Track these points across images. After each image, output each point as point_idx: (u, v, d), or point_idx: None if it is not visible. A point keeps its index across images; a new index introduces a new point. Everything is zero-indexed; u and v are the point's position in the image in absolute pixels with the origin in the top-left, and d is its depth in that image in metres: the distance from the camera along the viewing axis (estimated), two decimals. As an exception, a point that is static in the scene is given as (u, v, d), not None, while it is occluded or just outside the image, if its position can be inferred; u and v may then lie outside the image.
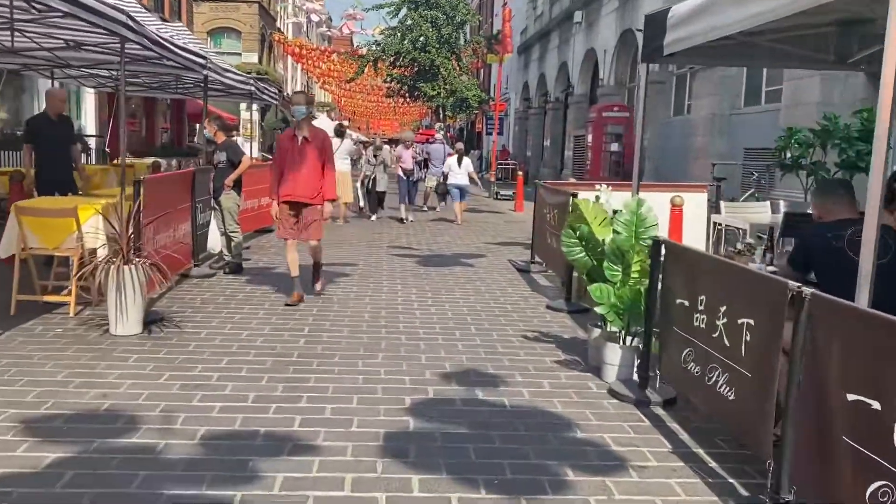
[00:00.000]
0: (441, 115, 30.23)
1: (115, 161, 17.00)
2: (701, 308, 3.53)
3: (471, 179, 13.89)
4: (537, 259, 8.50)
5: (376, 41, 29.78)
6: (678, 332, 3.80)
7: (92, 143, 16.27)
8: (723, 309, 3.30)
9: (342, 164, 13.21)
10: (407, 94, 30.52)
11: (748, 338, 3.08)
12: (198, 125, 31.54)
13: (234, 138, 10.29)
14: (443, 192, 14.50)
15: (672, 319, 3.90)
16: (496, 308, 6.42)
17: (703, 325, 3.50)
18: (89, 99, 16.96)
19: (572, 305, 6.41)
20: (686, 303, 3.70)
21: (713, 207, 8.70)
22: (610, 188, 7.38)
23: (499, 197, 20.21)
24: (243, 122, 32.03)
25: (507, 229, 13.04)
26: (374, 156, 13.44)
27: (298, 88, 51.87)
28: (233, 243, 7.66)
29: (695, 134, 14.80)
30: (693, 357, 3.61)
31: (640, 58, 5.55)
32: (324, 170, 6.13)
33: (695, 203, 8.30)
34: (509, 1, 24.47)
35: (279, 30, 40.53)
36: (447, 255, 9.52)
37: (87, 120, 17.13)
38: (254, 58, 35.19)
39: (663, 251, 4.03)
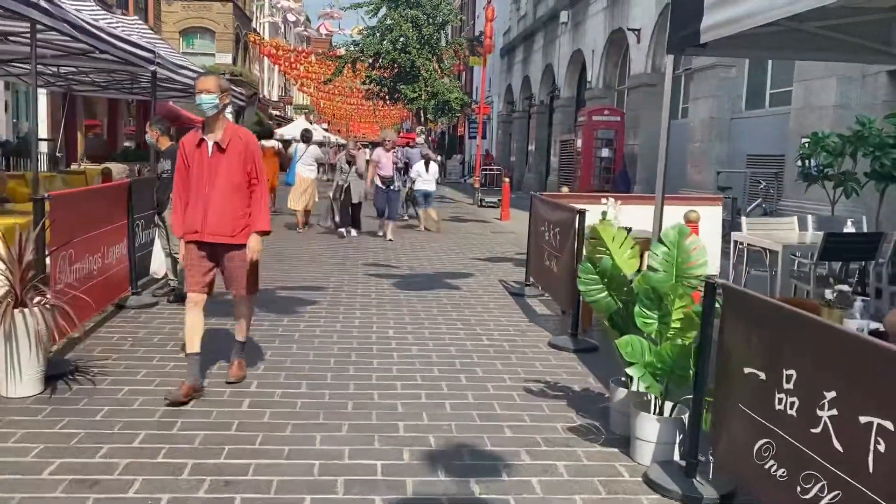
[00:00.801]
0: (422, 119, 29.16)
1: (70, 167, 15.78)
2: (788, 387, 2.53)
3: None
4: (532, 280, 7.50)
5: (354, 41, 28.66)
6: (746, 411, 2.80)
7: (44, 147, 15.01)
8: (830, 396, 2.30)
9: (307, 170, 12.17)
10: (387, 97, 29.43)
11: (881, 447, 2.08)
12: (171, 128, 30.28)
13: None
14: (413, 198, 13.48)
15: (735, 392, 2.89)
16: (490, 347, 5.38)
17: (792, 413, 2.50)
18: (41, 99, 15.69)
19: (579, 343, 5.40)
20: (761, 375, 2.70)
21: (728, 223, 7.77)
22: (619, 202, 6.43)
23: (483, 204, 19.25)
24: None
25: (495, 241, 12.03)
26: (348, 162, 11.58)
27: (276, 92, 50.54)
28: (179, 266, 6.54)
29: (691, 139, 13.90)
30: (774, 453, 2.60)
31: (666, 48, 4.56)
32: (251, 190, 4.15)
33: (709, 218, 7.36)
34: (491, 2, 23.50)
35: (255, 30, 39.28)
36: (430, 275, 8.48)
37: (39, 122, 15.84)
38: (228, 59, 33.97)
39: (720, 297, 3.03)
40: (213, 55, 33.68)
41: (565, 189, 14.68)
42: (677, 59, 16.38)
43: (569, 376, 4.74)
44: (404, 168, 15.02)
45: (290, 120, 44.47)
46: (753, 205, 10.61)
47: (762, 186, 10.89)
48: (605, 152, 16.91)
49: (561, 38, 22.78)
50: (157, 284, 6.82)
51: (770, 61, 12.13)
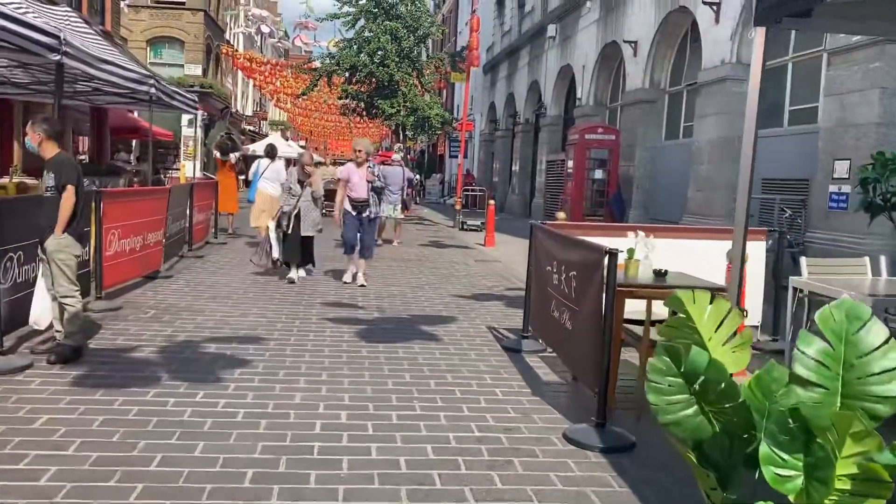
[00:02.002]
0: (401, 136, 27.67)
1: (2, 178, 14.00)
2: None
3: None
4: (532, 332, 5.96)
5: (331, 53, 27.17)
6: None
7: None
8: None
9: (271, 186, 10.69)
10: (364, 112, 27.91)
11: None
12: (135, 142, 28.26)
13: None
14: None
15: None
16: (482, 443, 3.81)
17: None
18: (-31, 104, 13.93)
19: (609, 437, 3.84)
20: None
21: (776, 261, 6.35)
22: (650, 236, 4.95)
23: (465, 227, 17.78)
24: (184, 140, 28.97)
25: (479, 272, 10.50)
26: (300, 181, 8.67)
27: (250, 106, 48.70)
28: (66, 314, 4.89)
29: (697, 161, 12.56)
30: None
31: (753, 20, 3.09)
32: None
33: (750, 256, 5.90)
34: (476, 12, 22.16)
35: (228, 42, 37.69)
36: (403, 320, 6.90)
37: (-34, 130, 14.08)
38: (198, 70, 32.36)
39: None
40: (182, 66, 32.10)
41: (562, 215, 13.26)
42: (677, 74, 14.84)
43: (600, 499, 3.18)
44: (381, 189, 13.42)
45: (265, 136, 42.84)
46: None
47: (787, 215, 9.53)
48: (598, 173, 15.57)
49: (548, 52, 21.55)
50: (39, 338, 5.17)
51: (790, 72, 10.84)
